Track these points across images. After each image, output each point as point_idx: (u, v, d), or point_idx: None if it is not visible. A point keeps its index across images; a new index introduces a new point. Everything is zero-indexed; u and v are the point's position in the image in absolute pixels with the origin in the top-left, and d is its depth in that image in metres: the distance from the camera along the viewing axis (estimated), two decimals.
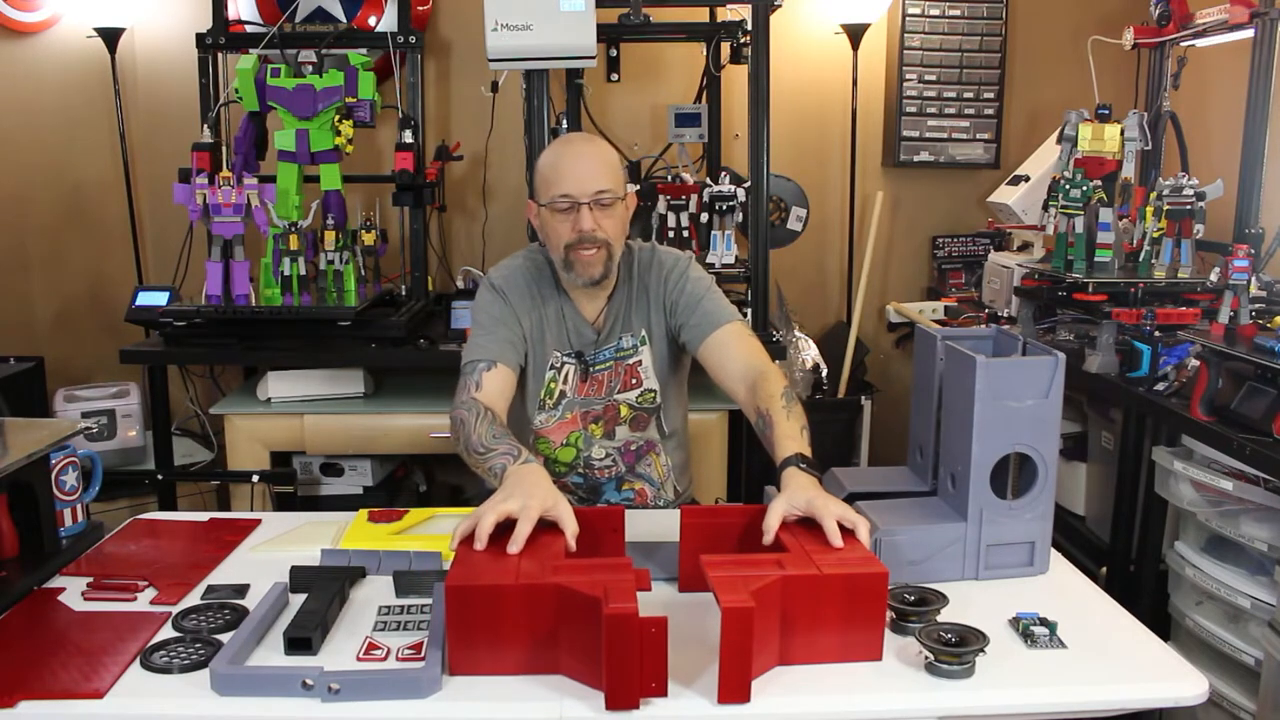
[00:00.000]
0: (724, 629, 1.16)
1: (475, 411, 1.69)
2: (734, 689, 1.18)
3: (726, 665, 1.18)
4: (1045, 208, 2.65)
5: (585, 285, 1.85)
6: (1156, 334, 2.31)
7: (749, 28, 2.73)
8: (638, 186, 2.84)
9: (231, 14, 3.11)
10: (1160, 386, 2.22)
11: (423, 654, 1.28)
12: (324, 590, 1.41)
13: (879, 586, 1.28)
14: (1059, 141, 2.65)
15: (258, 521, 1.77)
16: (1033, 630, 1.34)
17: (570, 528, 1.40)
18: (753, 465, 2.74)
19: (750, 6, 2.68)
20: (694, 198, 2.80)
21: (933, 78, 3.42)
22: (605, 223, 1.79)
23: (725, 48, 2.98)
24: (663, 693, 1.18)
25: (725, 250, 2.79)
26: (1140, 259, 2.48)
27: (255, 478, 2.67)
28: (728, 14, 2.98)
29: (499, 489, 1.49)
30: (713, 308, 1.88)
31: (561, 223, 1.79)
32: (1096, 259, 2.50)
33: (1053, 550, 1.57)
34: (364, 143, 3.13)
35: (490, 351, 1.81)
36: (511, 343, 1.84)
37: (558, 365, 1.90)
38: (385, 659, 1.29)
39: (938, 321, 3.26)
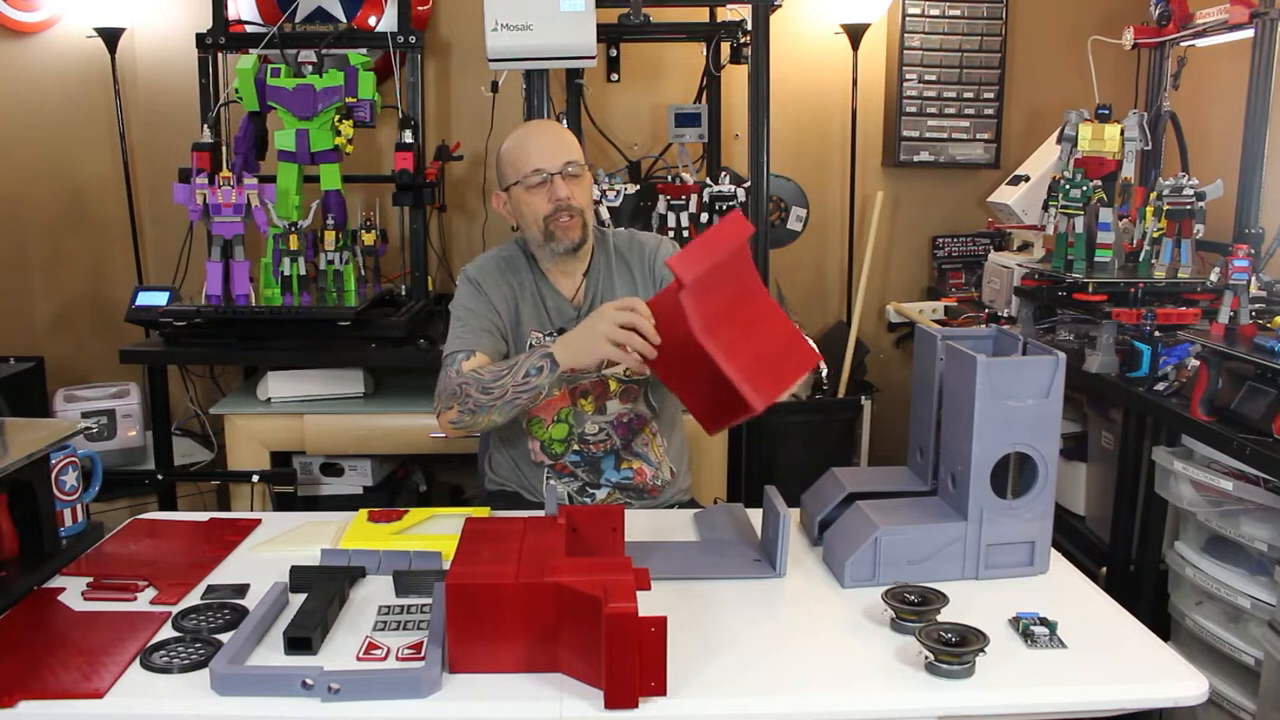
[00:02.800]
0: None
1: (471, 371, 1.79)
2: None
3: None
4: (1045, 208, 2.65)
5: (566, 252, 1.90)
6: (1156, 334, 2.31)
7: (749, 28, 2.73)
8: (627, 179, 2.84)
9: (231, 14, 3.11)
10: (1160, 386, 2.22)
11: (423, 653, 1.28)
12: (324, 590, 1.41)
13: (807, 362, 1.52)
14: (1059, 141, 2.65)
15: (258, 521, 1.77)
16: (1033, 630, 1.34)
17: (648, 329, 1.56)
18: (753, 465, 2.74)
19: (750, 6, 2.68)
20: (694, 198, 2.80)
21: (933, 78, 3.42)
22: (576, 191, 1.87)
23: (725, 48, 2.99)
24: (662, 692, 1.18)
25: None
26: (1140, 259, 2.48)
27: (255, 478, 2.67)
28: (728, 14, 2.98)
29: (574, 332, 1.67)
30: None
31: (536, 196, 1.87)
32: (1096, 259, 2.50)
33: (1053, 550, 1.57)
34: (364, 143, 3.13)
35: (467, 342, 1.87)
36: (488, 330, 1.90)
37: (538, 345, 1.92)
38: (385, 659, 1.29)
39: (938, 321, 3.26)
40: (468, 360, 1.84)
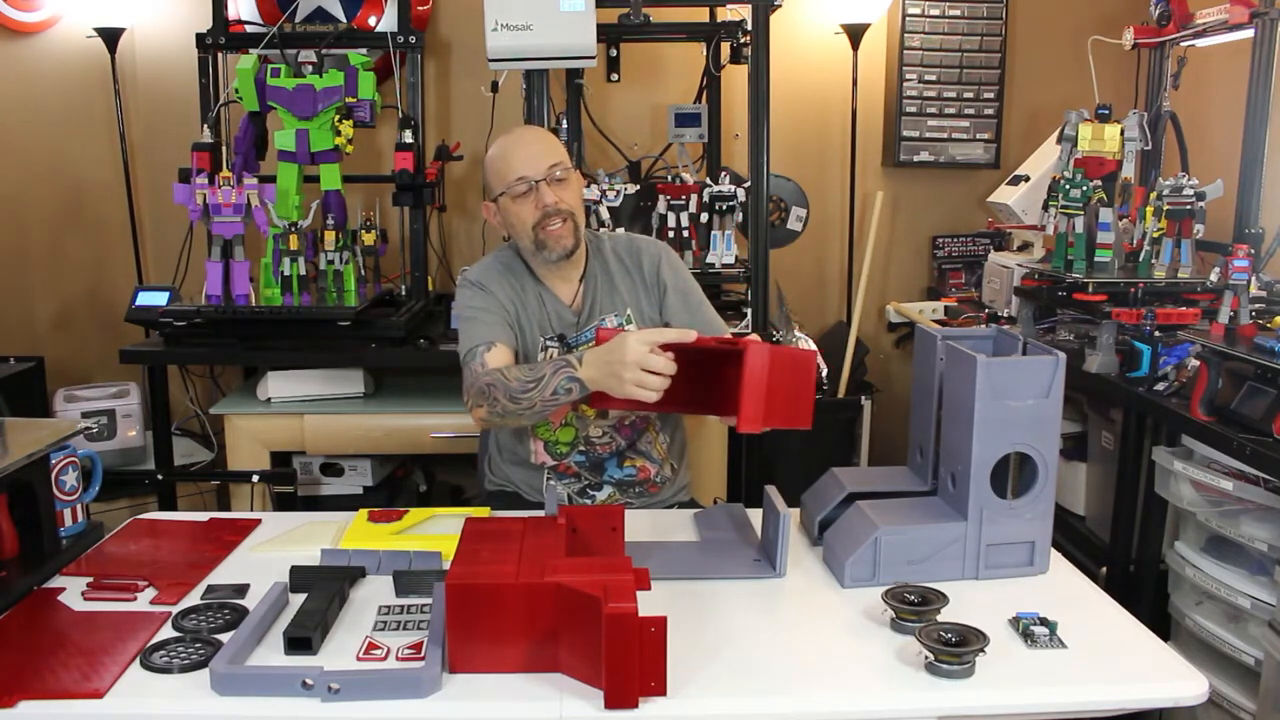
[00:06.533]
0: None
1: (498, 371, 1.75)
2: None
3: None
4: (1045, 208, 2.65)
5: (559, 260, 1.89)
6: (1156, 334, 2.31)
7: (749, 28, 2.73)
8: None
9: (231, 14, 3.11)
10: (1160, 386, 2.22)
11: (422, 653, 1.28)
12: (324, 590, 1.41)
13: (812, 364, 1.62)
14: (1059, 141, 2.65)
15: (258, 521, 1.77)
16: (1033, 630, 1.34)
17: (688, 336, 1.60)
18: (753, 465, 2.74)
19: (750, 6, 2.68)
20: (694, 198, 2.79)
21: (933, 78, 3.42)
22: (564, 194, 1.86)
23: (725, 48, 2.98)
24: (662, 692, 1.18)
25: (725, 250, 2.79)
26: (1140, 259, 2.48)
27: (255, 478, 2.67)
28: (728, 14, 2.98)
29: (598, 363, 1.62)
30: (713, 317, 1.97)
31: (523, 205, 1.85)
32: (1096, 259, 2.50)
33: (1053, 550, 1.57)
34: (364, 143, 3.13)
35: (484, 335, 1.85)
36: (502, 324, 1.89)
37: (544, 349, 1.93)
38: (385, 659, 1.29)
39: (938, 321, 3.26)
40: (489, 351, 1.82)
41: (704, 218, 2.81)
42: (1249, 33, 2.52)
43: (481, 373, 1.79)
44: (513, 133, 1.95)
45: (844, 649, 1.33)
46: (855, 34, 3.28)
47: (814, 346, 3.12)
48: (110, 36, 3.12)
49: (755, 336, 1.59)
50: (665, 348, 1.59)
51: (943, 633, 1.27)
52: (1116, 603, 1.47)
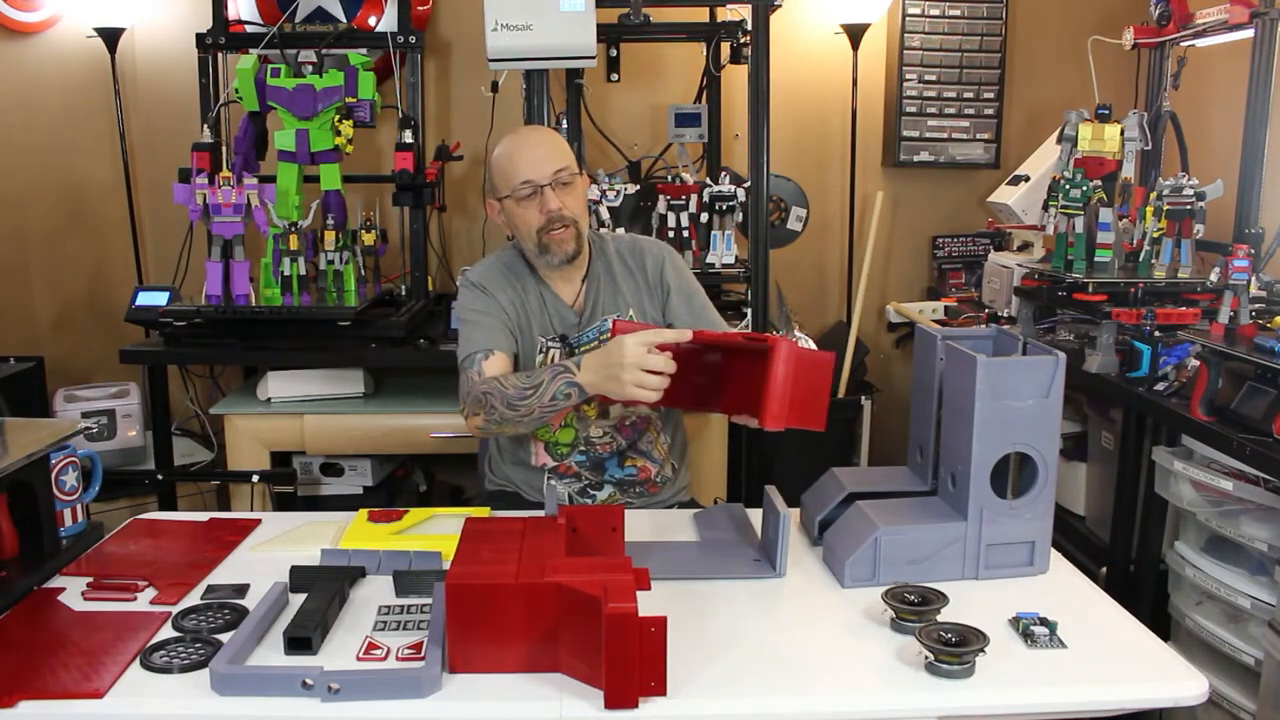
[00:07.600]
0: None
1: (495, 380, 1.76)
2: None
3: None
4: (1045, 208, 2.65)
5: (561, 264, 1.89)
6: (1156, 334, 2.31)
7: (749, 28, 2.73)
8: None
9: (231, 14, 3.11)
10: (1160, 386, 2.22)
11: (422, 653, 1.28)
12: (324, 590, 1.41)
13: (829, 366, 1.61)
14: (1059, 141, 2.65)
15: (258, 521, 1.77)
16: (1033, 630, 1.34)
17: (685, 336, 1.61)
18: (753, 465, 2.74)
19: (750, 6, 2.68)
20: (694, 198, 2.80)
21: (933, 78, 3.42)
22: (569, 200, 1.86)
23: (725, 48, 2.99)
24: (662, 692, 1.18)
25: (725, 250, 2.79)
26: (1140, 259, 2.48)
27: (255, 478, 2.67)
28: (728, 14, 2.98)
29: (596, 367, 1.63)
30: (716, 319, 1.98)
31: (528, 209, 1.85)
32: (1096, 259, 2.50)
33: (1053, 550, 1.57)
34: (364, 143, 3.13)
35: (483, 342, 1.86)
36: (502, 329, 1.89)
37: (544, 350, 1.93)
38: (385, 659, 1.29)
39: (938, 321, 3.26)
40: (487, 360, 1.83)
41: (704, 218, 2.82)
42: (1249, 33, 2.52)
43: (478, 381, 1.79)
44: (520, 133, 1.93)
45: (844, 649, 1.33)
46: (855, 34, 3.28)
47: (814, 346, 3.13)
48: (110, 36, 3.12)
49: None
50: (663, 347, 1.59)
51: (943, 633, 1.27)
52: (1116, 603, 1.47)
